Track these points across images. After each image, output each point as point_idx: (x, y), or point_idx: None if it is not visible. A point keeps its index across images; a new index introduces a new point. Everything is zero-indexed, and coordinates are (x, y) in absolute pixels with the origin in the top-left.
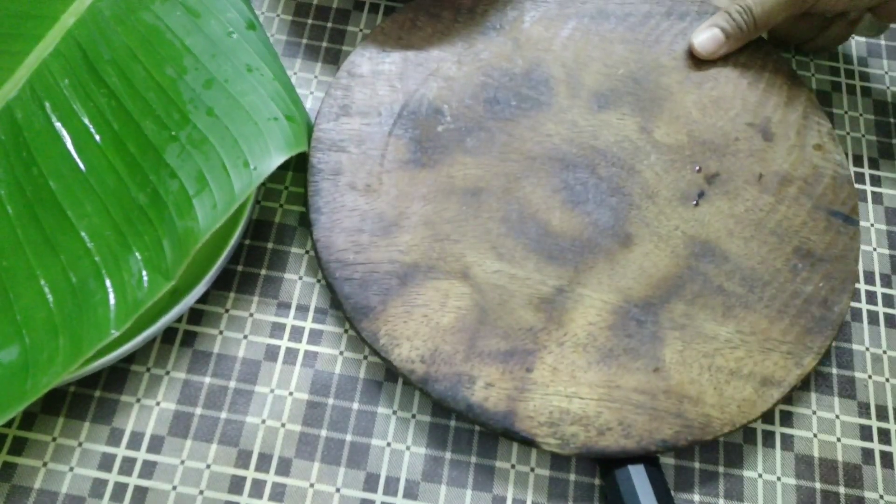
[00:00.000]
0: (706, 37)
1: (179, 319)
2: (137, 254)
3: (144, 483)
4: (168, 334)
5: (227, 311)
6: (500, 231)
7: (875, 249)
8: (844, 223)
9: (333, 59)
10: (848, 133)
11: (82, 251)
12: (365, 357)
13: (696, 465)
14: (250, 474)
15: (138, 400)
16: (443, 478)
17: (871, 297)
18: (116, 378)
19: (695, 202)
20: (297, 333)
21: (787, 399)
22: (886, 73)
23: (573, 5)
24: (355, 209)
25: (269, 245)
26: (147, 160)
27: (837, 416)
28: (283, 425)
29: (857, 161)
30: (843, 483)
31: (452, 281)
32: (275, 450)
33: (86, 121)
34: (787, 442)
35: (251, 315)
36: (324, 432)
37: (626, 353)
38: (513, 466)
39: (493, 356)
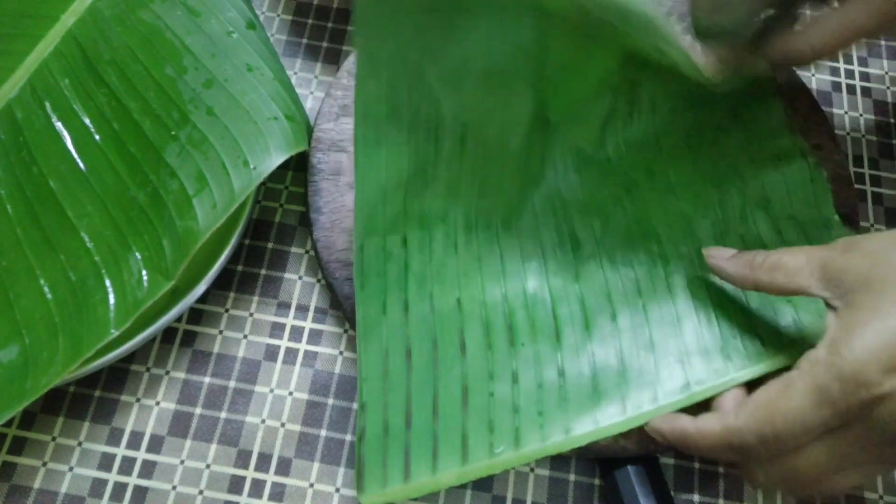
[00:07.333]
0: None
1: (179, 319)
2: (137, 253)
3: (144, 483)
4: (168, 334)
5: (226, 310)
6: None
7: None
8: (844, 223)
9: (333, 59)
10: (848, 133)
11: (82, 251)
12: None
13: (696, 465)
14: (250, 474)
15: (138, 400)
16: None
17: None
18: (116, 378)
19: None
20: (296, 333)
21: None
22: (886, 73)
23: None
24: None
25: (269, 245)
26: (147, 160)
27: None
28: (282, 425)
29: (857, 161)
30: None
31: None
32: (274, 450)
33: (86, 120)
34: None
35: (251, 315)
36: (323, 432)
37: None
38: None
39: None
